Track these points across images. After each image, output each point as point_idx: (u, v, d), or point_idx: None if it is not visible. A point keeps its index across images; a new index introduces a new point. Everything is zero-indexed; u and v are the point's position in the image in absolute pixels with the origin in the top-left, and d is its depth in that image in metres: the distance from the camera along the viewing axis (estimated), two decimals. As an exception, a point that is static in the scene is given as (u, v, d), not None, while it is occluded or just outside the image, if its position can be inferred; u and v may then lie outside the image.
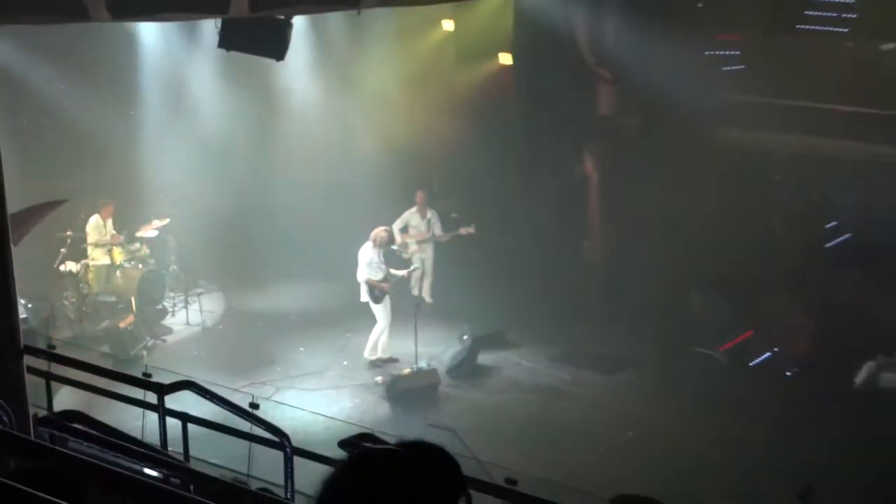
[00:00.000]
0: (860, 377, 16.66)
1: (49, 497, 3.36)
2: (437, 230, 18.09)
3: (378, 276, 16.62)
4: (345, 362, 17.39)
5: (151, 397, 10.15)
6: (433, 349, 17.32)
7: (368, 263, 16.67)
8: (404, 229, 17.79)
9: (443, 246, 18.27)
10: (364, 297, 16.86)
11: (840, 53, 19.17)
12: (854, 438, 14.53)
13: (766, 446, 14.65)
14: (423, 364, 16.67)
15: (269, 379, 16.53)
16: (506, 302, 18.40)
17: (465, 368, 16.93)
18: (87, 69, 18.52)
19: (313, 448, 9.63)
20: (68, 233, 17.58)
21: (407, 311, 17.16)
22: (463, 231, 17.88)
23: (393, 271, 16.95)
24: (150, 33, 18.61)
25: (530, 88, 19.78)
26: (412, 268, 17.69)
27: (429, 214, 18.00)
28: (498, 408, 16.04)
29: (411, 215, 17.93)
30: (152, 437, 10.33)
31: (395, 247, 17.18)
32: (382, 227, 16.96)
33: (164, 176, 19.39)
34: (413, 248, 17.66)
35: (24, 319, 12.83)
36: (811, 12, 20.00)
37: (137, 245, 18.31)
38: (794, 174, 18.61)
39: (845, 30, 19.49)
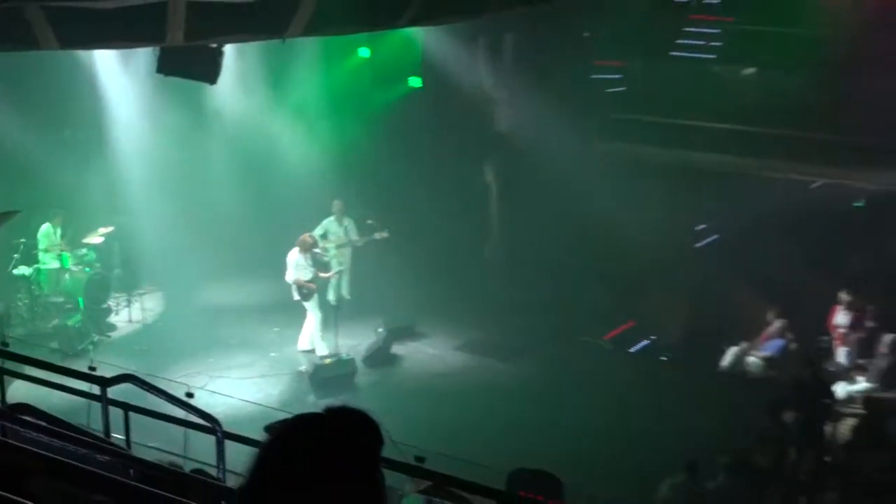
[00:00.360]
0: (726, 360, 16.86)
1: None
2: (354, 236, 17.99)
3: (306, 276, 16.52)
4: (272, 354, 17.16)
5: (97, 389, 9.96)
6: (352, 341, 17.14)
7: (296, 266, 16.51)
8: (324, 236, 17.67)
9: (360, 249, 18.18)
10: (295, 296, 16.70)
11: (708, 76, 19.42)
12: (722, 415, 14.74)
13: (646, 422, 14.76)
14: (343, 354, 16.49)
15: (204, 370, 16.22)
16: (416, 298, 18.32)
17: (380, 357, 16.85)
18: (30, 94, 18.13)
19: (243, 432, 9.49)
20: (22, 240, 17.28)
21: (329, 307, 17.11)
22: (377, 236, 17.83)
23: (322, 274, 16.85)
24: (87, 56, 18.19)
25: (436, 108, 19.79)
26: (336, 270, 17.58)
27: (345, 222, 17.91)
28: (409, 392, 15.98)
29: (329, 223, 17.82)
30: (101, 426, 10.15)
31: (317, 250, 17.05)
32: (307, 234, 16.83)
33: (107, 188, 19.05)
34: (333, 252, 17.54)
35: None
36: (683, 41, 20.28)
37: (85, 251, 18.03)
38: (670, 182, 18.76)
39: (713, 56, 19.78)
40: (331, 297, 17.44)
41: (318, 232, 17.37)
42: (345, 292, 18.04)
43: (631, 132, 19.10)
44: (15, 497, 2.95)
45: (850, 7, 17.77)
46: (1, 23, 10.47)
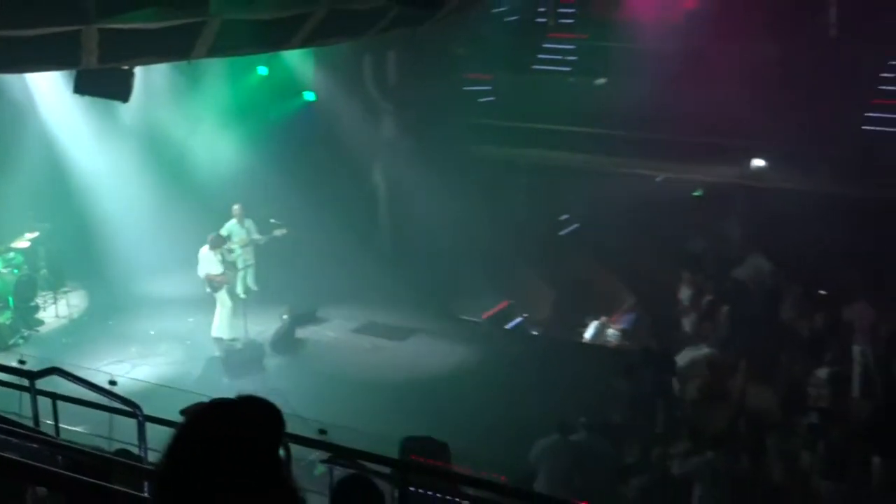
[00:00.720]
0: (588, 333, 17.15)
1: None
2: (255, 235, 17.78)
3: (216, 271, 16.36)
4: (188, 342, 16.96)
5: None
6: (260, 327, 16.97)
7: (206, 261, 16.35)
8: (228, 237, 17.45)
9: (263, 246, 18.00)
10: (207, 289, 16.51)
11: (567, 87, 19.66)
12: (585, 380, 15.00)
13: (521, 390, 14.92)
14: (252, 339, 16.38)
15: (126, 359, 15.99)
16: (316, 287, 18.25)
17: (286, 342, 16.74)
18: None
19: (163, 415, 9.38)
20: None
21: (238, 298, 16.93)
22: (277, 233, 17.67)
23: (228, 272, 16.71)
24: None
25: (330, 118, 19.74)
26: (241, 266, 17.39)
27: (246, 223, 17.68)
28: (313, 372, 15.92)
29: (232, 225, 17.53)
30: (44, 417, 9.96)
31: (224, 247, 16.89)
32: (217, 233, 16.70)
33: (29, 197, 18.57)
34: (238, 251, 17.33)
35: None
36: (543, 56, 20.53)
37: (12, 254, 17.60)
38: (536, 178, 18.99)
39: (569, 69, 20.04)
40: (239, 290, 17.27)
41: (223, 233, 17.19)
42: (251, 284, 17.88)
43: (500, 136, 19.29)
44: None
45: (683, 26, 18.21)
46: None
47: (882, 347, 14.83)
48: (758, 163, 17.62)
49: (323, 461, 8.92)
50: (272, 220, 17.96)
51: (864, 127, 17.43)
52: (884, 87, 17.86)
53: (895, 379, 14.30)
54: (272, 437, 2.65)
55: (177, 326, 17.47)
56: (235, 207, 17.60)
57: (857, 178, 16.49)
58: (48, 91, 17.45)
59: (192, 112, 19.84)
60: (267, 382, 14.97)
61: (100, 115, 18.01)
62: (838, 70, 17.36)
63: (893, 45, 17.84)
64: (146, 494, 6.77)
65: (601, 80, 19.19)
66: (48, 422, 9.96)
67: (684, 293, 17.02)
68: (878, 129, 17.36)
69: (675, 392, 14.56)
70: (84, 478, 5.74)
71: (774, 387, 14.71)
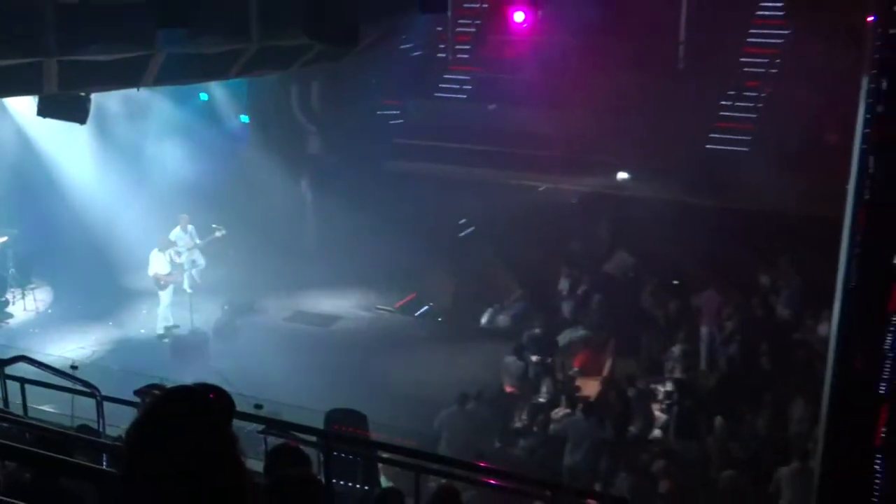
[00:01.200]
0: (483, 319, 17.24)
1: None
2: (197, 239, 17.51)
3: (165, 271, 16.11)
4: (142, 330, 16.76)
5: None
6: (204, 317, 16.75)
7: (156, 262, 16.13)
8: (174, 241, 17.13)
9: (206, 247, 17.71)
10: (155, 286, 16.26)
11: (465, 111, 19.74)
12: (481, 359, 15.11)
13: (427, 368, 15.03)
14: (197, 327, 16.18)
15: (88, 346, 15.74)
16: (252, 282, 18.08)
17: (227, 329, 16.55)
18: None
19: (119, 395, 9.21)
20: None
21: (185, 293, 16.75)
22: (217, 234, 17.43)
23: (176, 273, 16.49)
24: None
25: (262, 137, 19.55)
26: (190, 265, 17.11)
27: (189, 229, 17.41)
28: (250, 354, 15.60)
29: (177, 232, 17.17)
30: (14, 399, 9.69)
31: (171, 250, 16.64)
32: (166, 238, 16.47)
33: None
34: (185, 253, 17.02)
35: None
36: (443, 85, 20.56)
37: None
38: (439, 188, 19.00)
39: (464, 96, 20.13)
40: (186, 285, 17.01)
41: (170, 238, 16.93)
42: (197, 278, 17.61)
43: (408, 153, 19.28)
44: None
45: (559, 61, 18.42)
46: None
47: (725, 328, 15.20)
48: (622, 175, 17.90)
49: (259, 432, 8.85)
50: (213, 225, 17.72)
51: (707, 146, 17.86)
52: (723, 114, 18.34)
53: (735, 355, 14.64)
54: (225, 415, 2.64)
55: (132, 317, 17.16)
56: (182, 216, 17.34)
57: (701, 189, 16.85)
58: (19, 108, 16.93)
59: (143, 130, 19.45)
60: (210, 364, 14.84)
61: (64, 130, 17.54)
62: (686, 98, 17.76)
63: (731, 78, 18.38)
64: (105, 466, 6.67)
65: (492, 106, 19.31)
66: (17, 402, 9.72)
67: (563, 284, 17.28)
68: (718, 147, 17.81)
69: (557, 366, 14.78)
70: (49, 453, 5.62)
71: (637, 361, 15.00)
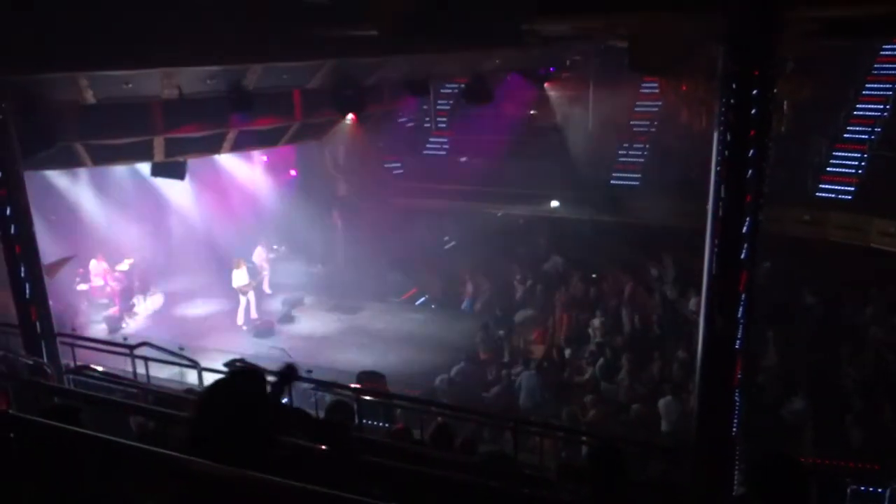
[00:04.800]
0: (463, 306, 17.19)
1: (57, 424, 2.81)
2: (264, 258, 17.31)
3: (245, 282, 15.94)
4: (229, 321, 16.32)
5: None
6: (272, 310, 16.63)
7: (237, 277, 15.92)
8: (245, 260, 16.77)
9: (272, 263, 17.58)
10: (239, 293, 16.08)
11: (445, 163, 19.76)
12: (465, 333, 15.04)
13: (425, 342, 14.91)
14: (266, 319, 16.02)
15: (190, 332, 14.85)
16: (303, 284, 17.85)
17: (286, 318, 16.34)
18: None
19: (214, 367, 9.11)
20: None
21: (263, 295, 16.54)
22: (277, 249, 17.31)
23: (253, 282, 16.34)
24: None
25: (306, 184, 19.47)
26: (260, 276, 16.94)
27: (259, 249, 17.20)
28: (303, 335, 15.58)
29: (258, 251, 16.95)
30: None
31: (247, 266, 16.47)
32: (240, 258, 16.26)
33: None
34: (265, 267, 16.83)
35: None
36: (429, 145, 20.57)
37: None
38: (429, 216, 19.01)
39: (444, 153, 20.12)
40: (266, 287, 16.98)
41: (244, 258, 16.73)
42: (266, 288, 17.49)
43: (407, 192, 19.23)
44: (71, 427, 2.74)
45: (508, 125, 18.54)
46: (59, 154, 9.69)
47: (628, 305, 15.24)
48: (554, 203, 17.99)
49: (311, 388, 8.80)
50: (275, 246, 17.64)
51: (611, 182, 17.98)
52: (621, 159, 18.48)
53: (636, 323, 14.64)
54: (288, 381, 2.58)
55: (222, 313, 16.63)
56: (262, 241, 17.16)
57: (608, 211, 16.96)
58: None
59: (227, 180, 19.11)
60: (276, 343, 14.73)
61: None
62: (596, 149, 17.92)
63: (625, 134, 18.52)
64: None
65: (464, 159, 19.37)
66: (142, 373, 9.64)
67: (516, 279, 17.28)
68: (618, 182, 17.95)
69: (514, 336, 14.74)
70: (166, 409, 5.58)
71: (569, 331, 14.98)
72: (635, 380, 12.04)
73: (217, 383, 2.55)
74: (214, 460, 2.15)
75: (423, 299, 17.72)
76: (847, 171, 15.79)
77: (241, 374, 2.61)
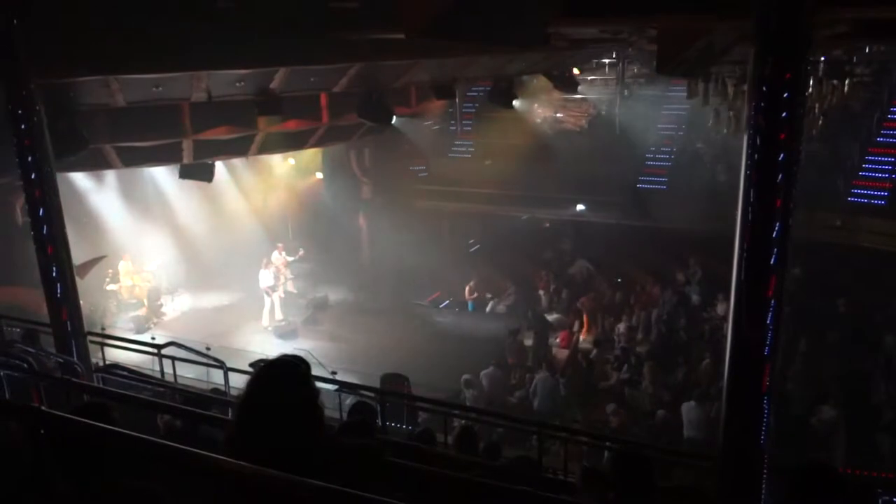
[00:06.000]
0: (488, 308, 17.15)
1: (88, 421, 2.82)
2: (287, 259, 17.35)
3: (270, 283, 16.07)
4: (267, 327, 16.45)
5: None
6: (295, 309, 16.68)
7: (264, 278, 16.03)
8: (272, 262, 16.90)
9: (294, 263, 17.65)
10: (265, 294, 16.16)
11: (469, 166, 19.73)
12: (486, 337, 14.96)
13: (449, 343, 14.85)
14: (290, 319, 16.11)
15: (216, 333, 14.96)
16: (328, 285, 17.87)
17: (311, 319, 16.44)
18: None
19: (239, 367, 9.13)
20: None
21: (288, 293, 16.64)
22: (301, 252, 17.42)
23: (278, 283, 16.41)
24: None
25: (331, 187, 19.53)
26: (286, 278, 17.06)
27: (283, 253, 17.33)
28: (327, 334, 15.65)
29: (274, 255, 17.00)
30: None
31: (272, 268, 16.58)
32: (269, 260, 16.38)
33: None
34: (283, 271, 16.96)
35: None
36: (454, 148, 20.54)
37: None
38: (454, 218, 19.01)
39: (469, 155, 20.10)
40: (292, 288, 17.16)
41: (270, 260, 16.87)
42: (290, 288, 17.63)
43: (432, 195, 19.27)
44: (103, 425, 2.77)
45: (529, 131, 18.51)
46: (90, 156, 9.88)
47: (654, 311, 15.09)
48: (580, 207, 17.88)
49: (335, 391, 8.83)
50: (300, 249, 17.78)
51: (637, 185, 17.81)
52: (648, 163, 18.31)
53: (662, 328, 14.49)
54: (308, 376, 2.59)
55: (247, 314, 16.71)
56: (278, 245, 17.31)
57: (634, 215, 16.81)
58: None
59: (250, 185, 19.35)
60: (299, 344, 14.79)
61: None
62: (623, 154, 17.79)
63: (651, 139, 18.37)
64: (230, 417, 6.67)
65: (488, 162, 19.33)
66: (169, 373, 9.75)
67: (542, 283, 17.21)
68: (645, 186, 17.77)
69: (539, 340, 14.59)
70: (192, 408, 5.63)
71: (595, 335, 14.88)
72: (660, 386, 11.90)
73: (265, 377, 2.56)
74: (261, 461, 2.17)
75: (446, 302, 17.70)
76: (880, 175, 15.46)
77: (291, 366, 2.62)
